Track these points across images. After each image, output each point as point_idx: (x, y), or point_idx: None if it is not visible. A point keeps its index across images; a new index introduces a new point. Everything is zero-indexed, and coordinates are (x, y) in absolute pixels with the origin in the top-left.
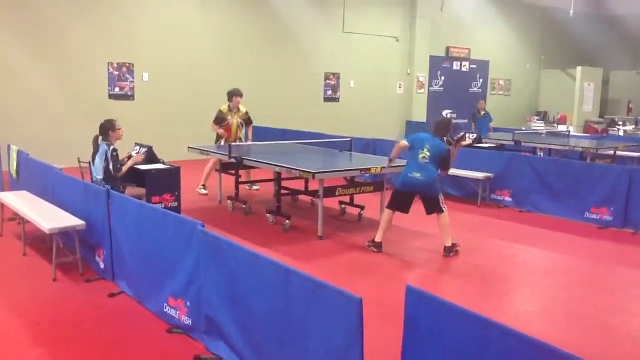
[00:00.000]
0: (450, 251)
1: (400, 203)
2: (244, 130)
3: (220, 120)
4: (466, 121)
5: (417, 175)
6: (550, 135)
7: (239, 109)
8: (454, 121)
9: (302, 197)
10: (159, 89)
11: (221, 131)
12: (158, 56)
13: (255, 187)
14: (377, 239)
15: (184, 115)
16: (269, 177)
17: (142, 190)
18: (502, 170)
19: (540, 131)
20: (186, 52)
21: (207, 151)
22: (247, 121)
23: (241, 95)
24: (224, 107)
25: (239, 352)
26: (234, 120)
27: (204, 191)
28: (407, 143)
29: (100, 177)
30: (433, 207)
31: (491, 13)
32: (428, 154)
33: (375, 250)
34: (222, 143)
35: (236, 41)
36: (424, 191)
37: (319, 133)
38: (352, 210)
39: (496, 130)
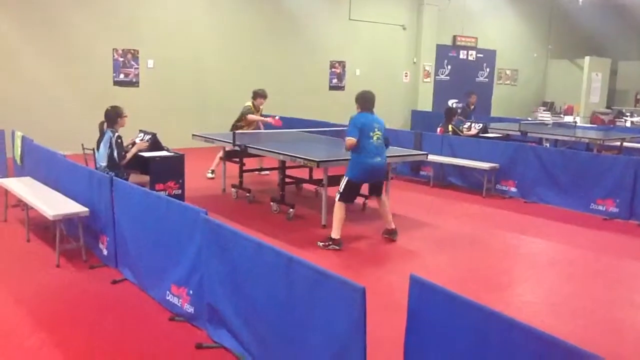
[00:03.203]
0: (395, 233)
1: (357, 193)
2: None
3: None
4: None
5: (378, 159)
6: (557, 126)
7: (259, 110)
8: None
9: (306, 186)
10: (164, 76)
11: (270, 119)
12: (163, 43)
13: (265, 172)
14: (336, 236)
15: (188, 102)
16: (274, 166)
17: (145, 178)
18: (507, 160)
19: (546, 122)
20: (191, 39)
21: (212, 139)
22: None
23: (265, 97)
24: (250, 104)
25: (241, 341)
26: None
27: (210, 175)
28: (355, 139)
29: (104, 164)
30: (379, 190)
31: (499, 2)
32: (379, 133)
33: (337, 247)
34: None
35: (241, 28)
36: (382, 175)
37: (324, 121)
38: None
39: (502, 120)
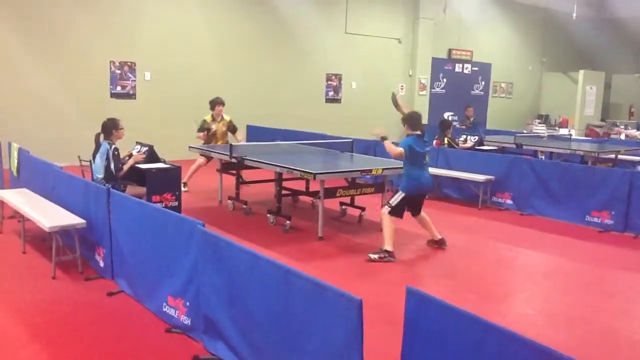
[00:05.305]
0: (444, 243)
1: (408, 207)
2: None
3: (203, 129)
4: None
5: (428, 176)
6: (552, 139)
7: (222, 117)
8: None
9: (302, 198)
10: (161, 88)
11: (201, 135)
12: (160, 55)
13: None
14: (390, 248)
15: (185, 114)
16: (270, 177)
17: (142, 189)
18: (503, 172)
19: (541, 134)
20: (188, 51)
21: (208, 150)
22: (232, 128)
23: (223, 104)
24: (208, 117)
25: (238, 353)
26: (219, 128)
27: (183, 188)
28: (404, 151)
29: (100, 175)
30: (421, 206)
31: (493, 15)
32: (428, 155)
33: (393, 260)
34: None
35: (238, 41)
36: (429, 191)
37: (320, 134)
38: (353, 212)
39: (497, 132)
